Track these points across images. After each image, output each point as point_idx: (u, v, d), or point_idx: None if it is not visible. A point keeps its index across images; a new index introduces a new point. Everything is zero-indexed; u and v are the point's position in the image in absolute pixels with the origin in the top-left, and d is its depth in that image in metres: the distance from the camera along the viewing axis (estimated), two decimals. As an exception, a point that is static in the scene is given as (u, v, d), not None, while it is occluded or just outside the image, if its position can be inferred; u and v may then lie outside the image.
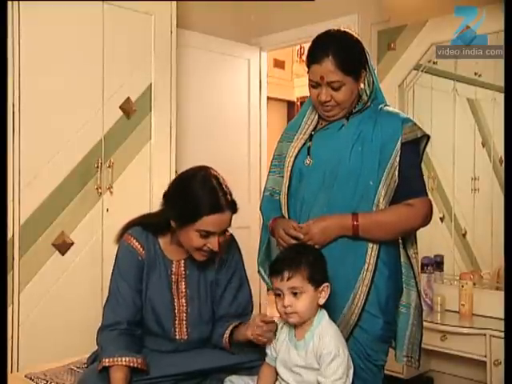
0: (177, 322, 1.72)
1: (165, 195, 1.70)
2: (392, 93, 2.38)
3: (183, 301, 1.73)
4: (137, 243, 1.71)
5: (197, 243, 1.62)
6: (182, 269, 1.74)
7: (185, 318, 1.72)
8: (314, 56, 1.65)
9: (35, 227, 2.61)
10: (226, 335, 1.70)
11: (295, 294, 1.49)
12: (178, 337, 1.72)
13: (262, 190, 1.92)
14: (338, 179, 1.64)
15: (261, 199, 1.91)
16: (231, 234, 1.80)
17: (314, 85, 1.66)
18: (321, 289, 1.51)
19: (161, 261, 1.73)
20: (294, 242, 1.65)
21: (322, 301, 1.52)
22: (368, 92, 1.72)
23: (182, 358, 1.69)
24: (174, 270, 1.73)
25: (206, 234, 1.61)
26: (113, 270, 1.74)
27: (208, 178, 1.63)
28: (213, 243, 1.62)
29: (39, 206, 2.62)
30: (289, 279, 1.49)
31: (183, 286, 1.73)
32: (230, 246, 1.79)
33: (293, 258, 1.53)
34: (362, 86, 1.69)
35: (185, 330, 1.73)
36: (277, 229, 1.71)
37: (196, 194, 1.60)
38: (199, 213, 1.59)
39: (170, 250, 1.74)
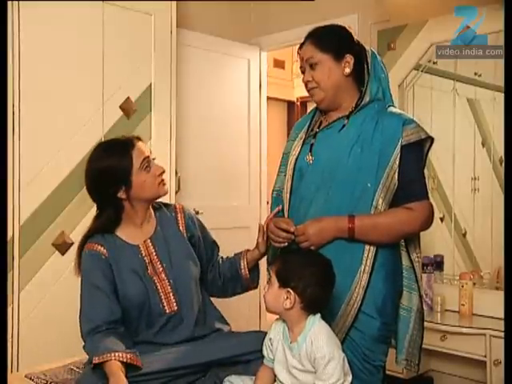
0: (163, 296, 1.73)
1: (90, 190, 1.76)
2: (392, 93, 2.38)
3: (163, 276, 1.74)
4: (96, 245, 1.74)
5: (149, 178, 1.72)
6: (151, 248, 1.77)
7: (170, 291, 1.74)
8: (300, 46, 1.73)
9: (35, 227, 2.61)
10: (244, 264, 1.85)
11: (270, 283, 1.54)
12: (167, 310, 1.73)
13: (262, 189, 1.92)
14: (336, 179, 1.64)
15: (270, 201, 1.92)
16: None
17: (303, 71, 1.72)
18: (284, 291, 1.48)
19: (127, 249, 1.75)
20: (283, 234, 1.64)
21: (286, 305, 1.48)
22: (370, 90, 1.69)
23: (177, 353, 1.66)
24: (143, 252, 1.75)
25: (147, 164, 1.72)
26: (81, 280, 1.75)
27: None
28: (155, 168, 1.75)
29: (39, 206, 2.62)
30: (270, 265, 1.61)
31: (158, 264, 1.75)
32: (189, 214, 1.89)
33: (284, 251, 1.65)
34: (347, 70, 1.67)
35: (173, 301, 1.74)
36: (269, 225, 1.72)
37: (110, 151, 1.74)
38: (127, 150, 1.70)
39: (131, 235, 1.76)
